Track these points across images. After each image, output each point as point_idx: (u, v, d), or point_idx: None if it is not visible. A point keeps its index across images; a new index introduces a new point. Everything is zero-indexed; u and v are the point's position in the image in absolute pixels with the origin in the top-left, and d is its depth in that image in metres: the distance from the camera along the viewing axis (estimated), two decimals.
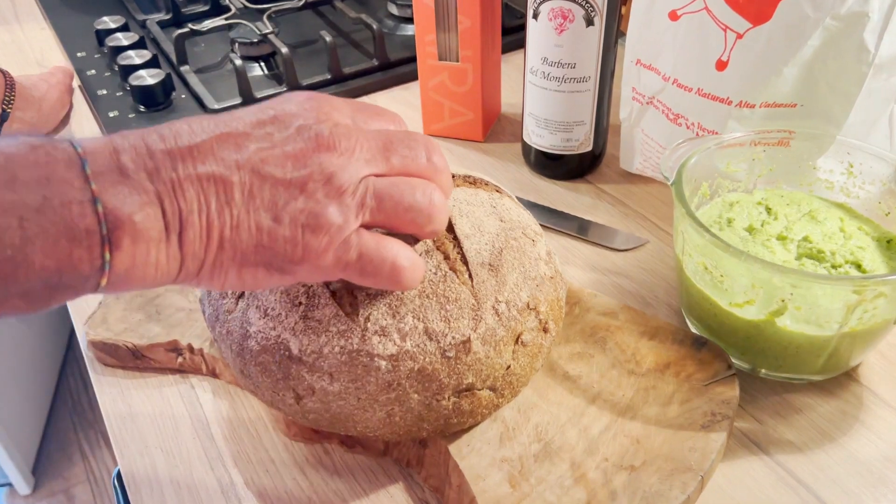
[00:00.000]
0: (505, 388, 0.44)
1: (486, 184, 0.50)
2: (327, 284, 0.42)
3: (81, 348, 0.55)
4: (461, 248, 0.44)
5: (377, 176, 0.36)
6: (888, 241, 0.51)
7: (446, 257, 0.43)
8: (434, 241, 0.44)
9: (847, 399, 0.50)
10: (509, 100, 0.82)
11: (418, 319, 0.41)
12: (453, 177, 0.49)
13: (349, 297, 0.42)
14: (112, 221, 0.30)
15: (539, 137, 0.68)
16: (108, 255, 0.30)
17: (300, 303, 0.42)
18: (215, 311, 0.46)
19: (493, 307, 0.43)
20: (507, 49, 0.89)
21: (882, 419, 0.48)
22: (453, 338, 0.41)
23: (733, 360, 0.50)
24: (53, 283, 0.30)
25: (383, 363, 0.41)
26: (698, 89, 0.56)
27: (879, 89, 0.53)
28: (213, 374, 0.53)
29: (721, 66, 0.54)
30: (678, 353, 0.50)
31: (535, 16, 0.62)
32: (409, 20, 0.95)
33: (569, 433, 0.46)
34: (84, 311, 0.58)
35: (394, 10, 0.96)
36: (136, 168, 0.31)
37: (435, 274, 0.42)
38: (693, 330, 0.53)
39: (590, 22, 0.60)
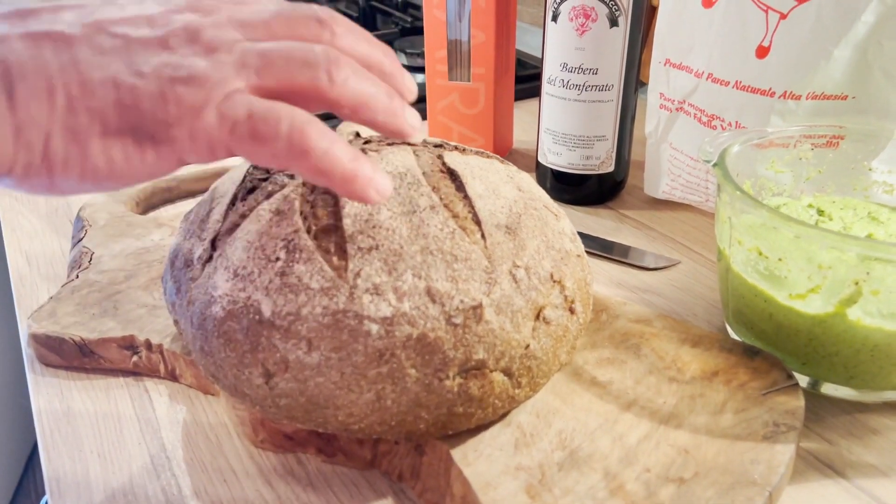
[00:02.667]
0: (522, 375, 0.36)
1: (503, 161, 0.44)
2: (311, 234, 0.35)
3: (21, 346, 0.47)
4: (473, 208, 0.37)
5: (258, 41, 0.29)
6: None
7: (454, 215, 0.36)
8: (442, 199, 0.37)
9: None
10: (522, 137, 0.78)
11: (419, 278, 0.34)
12: (463, 150, 0.43)
13: (338, 250, 0.35)
14: None
15: (556, 156, 0.62)
16: None
17: (277, 258, 0.35)
18: (177, 283, 0.39)
19: (511, 272, 0.35)
20: (519, 97, 0.85)
21: None
22: (461, 301, 0.34)
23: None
24: None
25: (374, 327, 0.33)
26: (736, 82, 0.51)
27: None
28: (173, 375, 0.45)
29: (762, 52, 0.49)
30: (727, 361, 0.42)
31: (555, 17, 0.57)
32: (418, 69, 0.92)
33: (600, 441, 0.37)
34: (31, 305, 0.50)
35: (403, 59, 0.93)
36: None
37: (441, 230, 0.35)
38: (740, 340, 0.45)
39: (614, 22, 0.56)
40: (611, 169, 0.62)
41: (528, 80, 0.89)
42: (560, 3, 0.57)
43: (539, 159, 0.65)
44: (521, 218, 0.38)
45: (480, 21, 0.64)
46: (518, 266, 0.36)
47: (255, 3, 0.31)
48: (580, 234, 0.60)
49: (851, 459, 0.39)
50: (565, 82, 0.59)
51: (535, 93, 0.88)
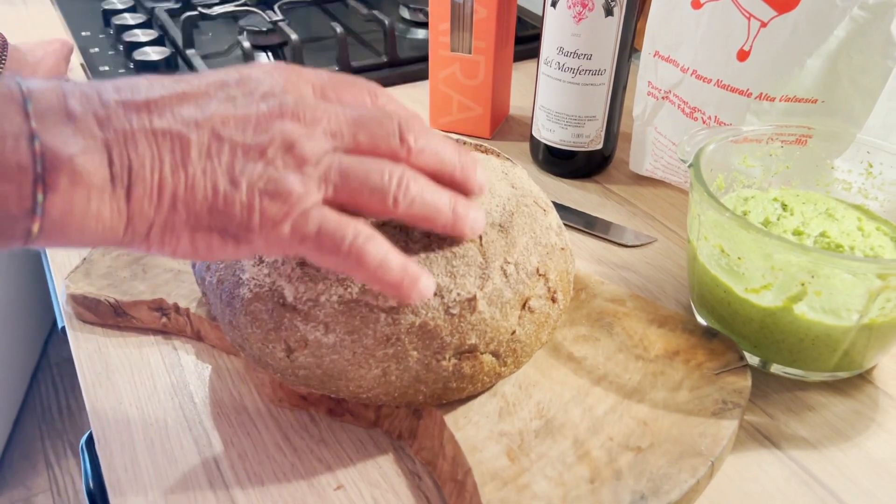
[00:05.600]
0: (508, 356, 0.41)
1: (498, 154, 0.48)
2: None
3: (60, 303, 0.52)
4: None
5: (344, 152, 0.34)
6: None
7: None
8: None
9: (862, 400, 0.47)
10: (518, 103, 0.81)
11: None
12: (464, 144, 0.47)
13: None
14: (49, 160, 0.28)
15: (549, 132, 0.67)
16: (40, 196, 0.28)
17: None
18: (206, 262, 0.44)
19: (502, 268, 0.40)
20: (518, 57, 0.88)
21: None
22: (458, 294, 0.39)
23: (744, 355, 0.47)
24: None
25: (383, 315, 0.38)
26: (717, 80, 0.55)
27: None
28: (198, 336, 0.50)
29: (743, 56, 0.53)
30: (688, 342, 0.48)
31: (554, 3, 0.61)
32: (420, 24, 0.95)
33: (572, 412, 0.43)
34: (66, 265, 0.55)
35: (405, 13, 0.96)
36: (85, 112, 0.29)
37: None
38: (703, 322, 0.51)
39: (609, 12, 0.59)
40: (599, 146, 0.67)
41: (527, 40, 0.92)
42: None
43: (533, 133, 0.69)
44: (514, 216, 0.42)
45: None
46: (509, 262, 0.41)
47: (350, 96, 0.36)
48: (567, 208, 0.64)
49: (787, 433, 0.45)
50: (561, 65, 0.63)
51: (534, 54, 0.91)
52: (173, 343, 0.50)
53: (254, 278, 0.40)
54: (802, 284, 0.43)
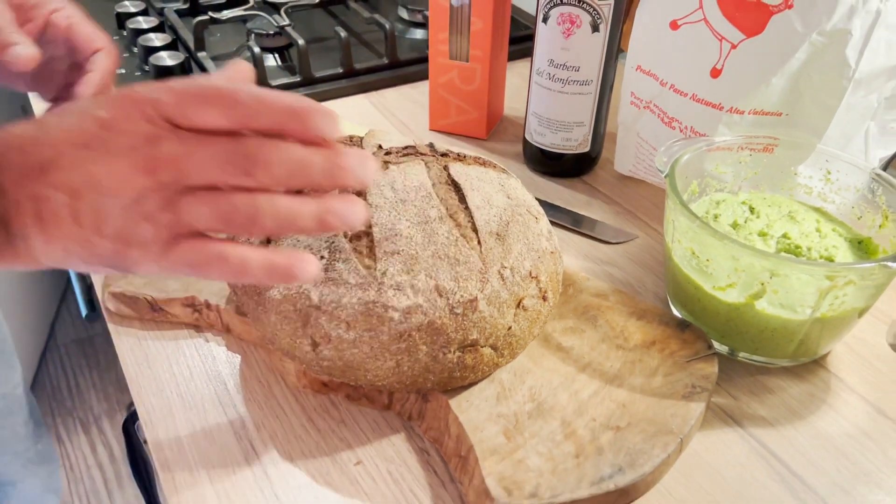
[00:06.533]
0: (505, 348, 0.47)
1: (495, 166, 0.54)
2: (348, 238, 0.46)
3: (99, 300, 0.58)
4: (472, 218, 0.47)
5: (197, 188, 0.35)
6: (859, 242, 0.56)
7: (458, 224, 0.47)
8: (448, 209, 0.47)
9: (816, 383, 0.54)
10: (512, 104, 0.87)
11: (430, 277, 0.45)
12: (463, 157, 0.53)
13: (369, 253, 0.45)
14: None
15: (541, 136, 0.72)
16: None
17: (322, 257, 0.45)
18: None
19: (499, 272, 0.46)
20: (511, 57, 0.93)
21: (846, 402, 0.52)
22: (461, 296, 0.45)
23: (714, 343, 0.54)
24: None
25: (396, 315, 0.44)
26: (693, 95, 0.61)
27: (857, 105, 0.58)
28: (227, 329, 0.56)
29: (715, 73, 0.59)
30: (663, 333, 0.54)
31: (545, 19, 0.66)
32: (418, 24, 1.00)
33: (560, 396, 0.49)
34: None
35: (404, 14, 1.01)
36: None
37: (447, 238, 0.46)
38: (677, 314, 0.57)
39: (595, 28, 0.65)
40: (587, 149, 0.73)
41: (521, 40, 0.97)
42: (550, 8, 0.65)
43: (526, 136, 0.75)
44: (509, 225, 0.48)
45: (480, 11, 0.72)
46: (505, 267, 0.47)
47: (204, 106, 0.35)
48: (555, 206, 0.70)
49: (749, 413, 0.52)
50: (551, 76, 0.68)
51: (527, 53, 0.96)
52: (205, 336, 0.56)
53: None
54: (762, 284, 0.50)
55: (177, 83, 0.36)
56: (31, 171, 0.35)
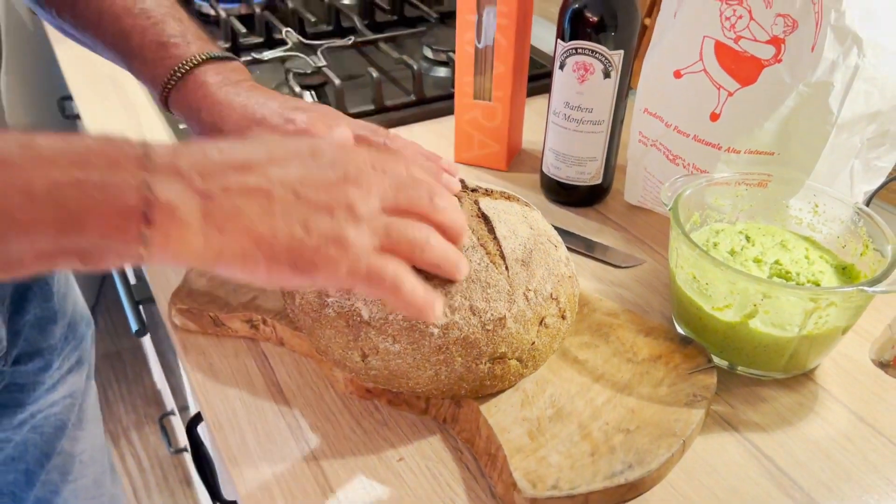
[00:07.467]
0: (529, 361, 0.54)
1: (519, 199, 0.61)
2: None
3: (163, 314, 0.65)
4: (500, 246, 0.55)
5: (389, 210, 0.45)
6: (843, 268, 0.62)
7: (488, 252, 0.54)
8: (479, 239, 0.55)
9: (805, 394, 0.60)
10: (529, 137, 0.94)
11: (465, 298, 0.52)
12: (491, 192, 0.60)
13: None
14: (152, 204, 0.37)
15: (557, 169, 0.80)
16: (146, 231, 0.37)
17: None
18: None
19: (524, 294, 0.53)
20: (529, 94, 1.01)
21: (831, 411, 0.59)
22: (492, 315, 0.52)
23: (714, 358, 0.60)
24: (103, 246, 0.37)
25: (436, 331, 0.51)
26: (694, 135, 0.68)
27: (842, 146, 0.65)
28: (281, 342, 0.63)
29: (714, 117, 0.66)
30: (668, 348, 0.61)
31: (562, 66, 0.74)
32: (442, 63, 1.08)
33: (577, 402, 0.56)
34: (167, 285, 0.68)
35: (429, 54, 1.09)
36: (189, 169, 0.38)
37: (479, 264, 0.53)
38: (681, 332, 0.64)
39: (607, 75, 0.72)
40: (599, 181, 0.80)
41: (538, 78, 1.05)
42: (566, 57, 0.73)
43: (543, 169, 0.82)
44: (532, 253, 0.55)
45: (502, 56, 0.80)
46: (529, 290, 0.54)
47: (391, 166, 0.47)
48: (571, 233, 0.77)
49: (744, 419, 0.58)
50: (567, 116, 0.76)
51: (544, 89, 1.03)
52: (261, 347, 0.63)
53: (337, 301, 0.53)
54: (755, 305, 0.56)
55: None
56: (233, 166, 0.39)
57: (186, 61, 0.62)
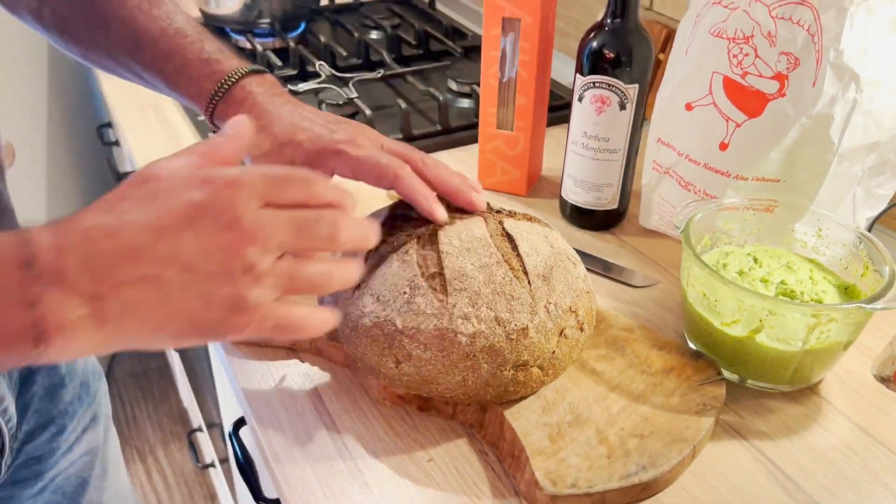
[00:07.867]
0: (549, 369, 0.59)
1: (540, 221, 0.66)
2: (424, 278, 0.57)
3: None
4: (523, 262, 0.59)
5: (291, 253, 0.43)
6: (846, 288, 0.66)
7: (511, 268, 0.59)
8: (503, 255, 0.59)
9: (810, 406, 0.64)
10: (549, 164, 0.99)
11: (491, 310, 0.56)
12: (514, 214, 0.65)
13: (442, 290, 0.57)
14: (42, 323, 0.36)
15: (575, 195, 0.85)
16: (40, 346, 0.37)
17: (404, 292, 0.57)
18: (334, 298, 0.62)
19: (545, 306, 0.58)
20: (549, 123, 1.06)
21: (835, 422, 0.63)
22: (515, 325, 0.56)
23: (725, 372, 0.64)
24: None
25: (464, 339, 0.56)
26: (705, 164, 0.73)
27: (843, 174, 0.70)
28: (318, 352, 0.68)
29: (723, 147, 0.71)
30: (680, 361, 0.65)
31: (580, 99, 0.79)
32: (465, 95, 1.13)
33: (595, 409, 0.60)
34: None
35: (453, 86, 1.14)
36: (78, 272, 0.37)
37: (504, 278, 0.57)
38: (692, 346, 0.68)
39: (623, 107, 0.77)
40: (615, 206, 0.85)
41: (558, 108, 1.10)
42: (584, 91, 0.78)
43: (562, 194, 0.87)
44: (553, 269, 0.60)
45: (524, 89, 0.85)
46: (550, 302, 0.58)
47: (291, 195, 0.43)
48: (589, 254, 0.82)
49: (752, 428, 0.62)
50: (585, 145, 0.80)
51: (563, 119, 1.08)
52: (299, 356, 0.68)
53: (373, 311, 0.58)
54: (761, 321, 0.61)
55: (260, 169, 0.43)
56: (122, 256, 0.38)
57: (231, 74, 0.67)
